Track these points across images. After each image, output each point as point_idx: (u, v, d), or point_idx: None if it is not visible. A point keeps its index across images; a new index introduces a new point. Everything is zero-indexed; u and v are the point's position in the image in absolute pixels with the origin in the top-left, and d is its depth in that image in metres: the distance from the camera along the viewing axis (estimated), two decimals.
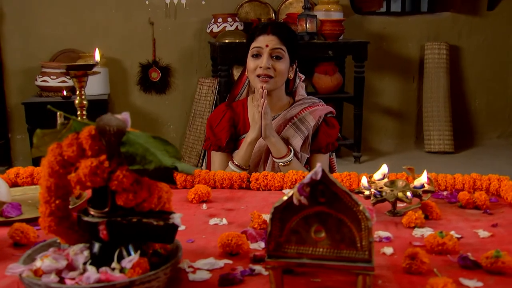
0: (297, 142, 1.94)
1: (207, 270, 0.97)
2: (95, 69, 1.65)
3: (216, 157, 2.01)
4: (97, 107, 4.39)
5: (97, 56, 1.61)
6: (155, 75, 4.86)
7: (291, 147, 1.92)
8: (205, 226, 1.21)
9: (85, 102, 1.62)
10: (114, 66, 4.76)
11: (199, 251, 1.06)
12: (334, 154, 2.16)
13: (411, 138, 5.53)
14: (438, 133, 5.22)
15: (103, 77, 4.54)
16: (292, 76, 2.00)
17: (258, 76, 1.91)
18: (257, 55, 1.92)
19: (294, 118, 1.97)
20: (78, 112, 1.64)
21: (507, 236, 1.11)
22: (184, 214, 1.28)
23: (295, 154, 1.92)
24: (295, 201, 0.83)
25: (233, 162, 1.92)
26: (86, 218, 0.86)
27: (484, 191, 1.40)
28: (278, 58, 1.90)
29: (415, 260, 0.93)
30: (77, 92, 1.62)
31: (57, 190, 0.86)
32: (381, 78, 5.34)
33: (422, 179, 1.22)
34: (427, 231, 1.12)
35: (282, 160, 1.88)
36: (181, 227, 1.19)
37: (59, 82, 4.34)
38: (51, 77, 4.32)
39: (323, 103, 2.07)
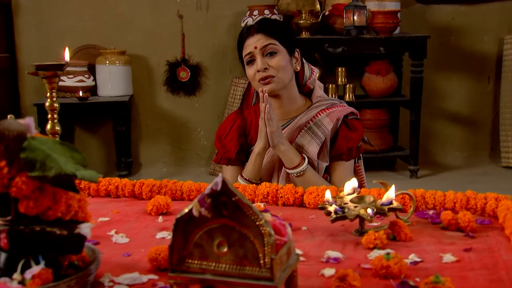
0: (313, 148, 1.98)
1: (127, 285, 1.06)
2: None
3: (227, 171, 2.09)
4: (118, 109, 4.62)
5: (67, 56, 1.75)
6: (184, 75, 5.04)
7: (305, 156, 1.96)
8: (150, 240, 1.31)
9: (56, 104, 1.76)
10: (138, 64, 4.98)
11: (129, 265, 1.16)
12: (361, 161, 2.20)
13: (485, 151, 5.43)
14: None
15: (125, 76, 4.76)
16: (298, 68, 2.08)
17: (261, 80, 1.98)
18: (251, 61, 2.01)
19: (310, 122, 2.02)
20: (49, 116, 1.78)
21: (475, 262, 1.14)
22: (135, 227, 1.41)
23: (311, 163, 1.97)
24: (195, 212, 0.91)
25: (242, 176, 1.99)
26: None
27: (479, 211, 1.42)
28: (272, 53, 1.99)
29: (344, 282, 0.99)
30: (48, 94, 1.76)
31: None
32: (448, 78, 5.28)
33: (390, 195, 1.26)
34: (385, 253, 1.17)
35: (295, 171, 1.93)
36: (99, 235, 1.30)
37: (76, 82, 4.59)
38: (68, 76, 4.57)
39: (345, 104, 2.11)
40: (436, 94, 5.25)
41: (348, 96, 4.68)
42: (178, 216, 0.93)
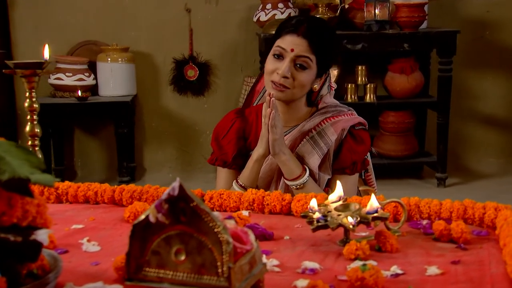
0: (314, 160, 2.01)
1: None
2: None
3: (222, 173, 2.13)
4: (120, 110, 4.69)
5: (46, 54, 1.82)
6: (192, 73, 5.10)
7: (306, 167, 1.99)
8: (122, 248, 1.34)
9: (36, 105, 1.83)
10: (142, 61, 5.05)
11: (96, 274, 1.21)
12: (371, 169, 2.21)
13: None
14: None
15: (128, 74, 4.83)
16: (317, 88, 2.06)
17: (274, 83, 1.97)
18: (279, 56, 1.97)
19: (313, 131, 2.03)
20: (28, 117, 1.85)
21: (460, 275, 1.16)
22: (109, 235, 1.46)
23: (312, 175, 2.00)
24: (151, 218, 0.96)
25: (238, 182, 2.03)
26: None
27: (477, 221, 1.45)
28: (303, 67, 1.96)
29: None
30: (27, 93, 1.83)
31: None
32: (481, 77, 5.27)
33: (374, 203, 1.30)
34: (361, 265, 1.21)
35: (295, 183, 1.96)
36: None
37: (75, 81, 4.68)
38: (66, 74, 4.66)
39: (354, 112, 2.12)
40: (468, 95, 5.24)
41: (369, 97, 4.70)
42: (136, 222, 0.98)
